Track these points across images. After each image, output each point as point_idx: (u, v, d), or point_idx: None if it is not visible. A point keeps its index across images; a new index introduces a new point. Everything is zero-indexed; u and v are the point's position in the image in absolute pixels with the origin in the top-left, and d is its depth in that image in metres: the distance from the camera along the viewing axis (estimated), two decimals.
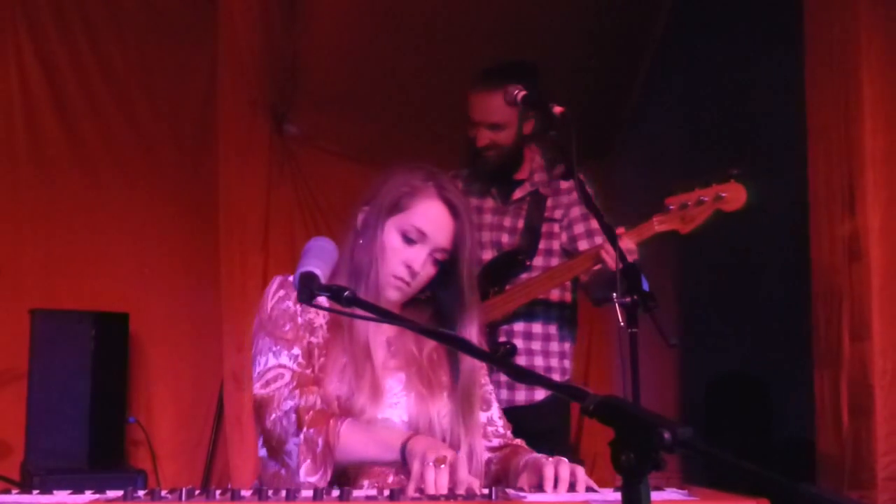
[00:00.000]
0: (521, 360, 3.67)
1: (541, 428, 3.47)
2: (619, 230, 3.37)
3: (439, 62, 4.76)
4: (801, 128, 3.85)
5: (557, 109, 3.15)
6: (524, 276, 3.65)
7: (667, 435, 1.33)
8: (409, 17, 4.67)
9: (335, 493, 1.71)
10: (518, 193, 3.74)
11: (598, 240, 3.47)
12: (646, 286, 2.93)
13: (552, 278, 3.56)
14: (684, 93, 5.64)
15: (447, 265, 2.28)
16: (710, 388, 5.74)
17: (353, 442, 2.03)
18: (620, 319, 2.95)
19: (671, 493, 1.87)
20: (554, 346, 3.74)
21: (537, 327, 3.72)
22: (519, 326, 3.70)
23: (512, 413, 3.61)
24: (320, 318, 2.24)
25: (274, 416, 2.12)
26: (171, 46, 5.09)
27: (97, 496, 1.68)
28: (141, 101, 5.07)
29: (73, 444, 4.38)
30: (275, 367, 2.18)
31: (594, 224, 3.65)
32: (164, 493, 1.67)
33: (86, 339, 4.47)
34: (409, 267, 2.23)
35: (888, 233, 3.55)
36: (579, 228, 3.68)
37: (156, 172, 5.05)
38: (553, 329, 3.74)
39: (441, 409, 2.21)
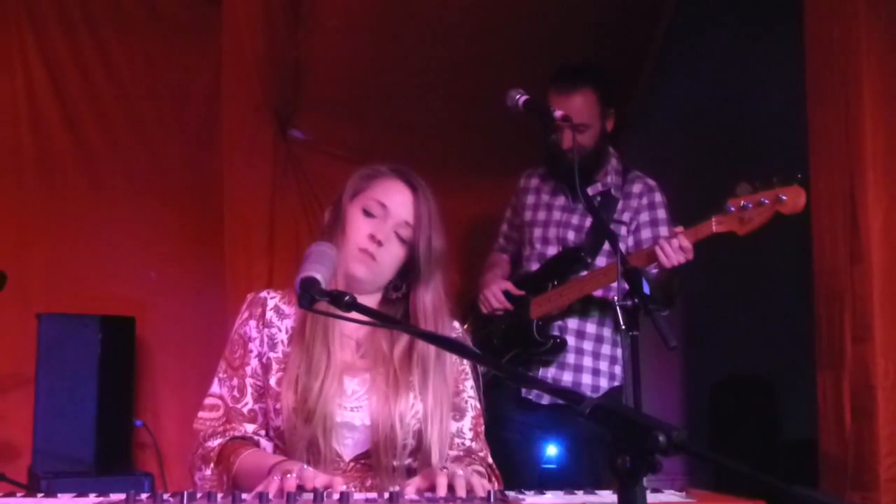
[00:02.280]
0: (570, 358, 3.72)
1: (587, 432, 3.47)
2: (678, 229, 3.39)
3: (443, 64, 4.77)
4: (805, 128, 3.85)
5: (558, 114, 3.17)
6: (584, 273, 3.67)
7: (661, 437, 1.34)
8: (413, 20, 4.68)
9: (336, 496, 1.73)
10: (589, 192, 3.75)
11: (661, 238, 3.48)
12: (647, 289, 2.95)
13: (607, 275, 3.55)
14: (687, 94, 5.64)
15: (412, 247, 2.29)
16: (715, 389, 5.74)
17: (244, 474, 2.09)
18: (621, 322, 2.97)
19: (670, 496, 1.89)
20: (606, 349, 3.75)
21: (591, 327, 3.75)
22: (573, 323, 3.73)
23: (559, 412, 3.64)
24: (282, 333, 2.28)
25: (199, 450, 2.21)
26: (176, 50, 5.10)
27: (100, 499, 1.69)
28: (146, 105, 5.08)
29: (81, 448, 4.40)
30: (216, 395, 2.29)
31: (662, 230, 3.67)
32: (166, 496, 1.68)
33: (93, 343, 4.50)
34: (372, 237, 2.25)
35: (889, 234, 3.54)
36: (646, 234, 3.72)
37: (161, 177, 5.07)
38: (607, 332, 3.76)
39: (407, 412, 2.19)
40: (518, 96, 3.29)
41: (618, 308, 2.96)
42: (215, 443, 2.20)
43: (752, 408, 5.64)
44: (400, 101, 4.87)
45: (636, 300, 2.93)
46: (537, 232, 3.85)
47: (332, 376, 2.18)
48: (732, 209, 3.30)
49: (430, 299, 2.29)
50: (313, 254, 2.05)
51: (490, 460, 2.33)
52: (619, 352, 3.77)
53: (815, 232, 3.74)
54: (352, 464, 2.18)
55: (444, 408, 2.24)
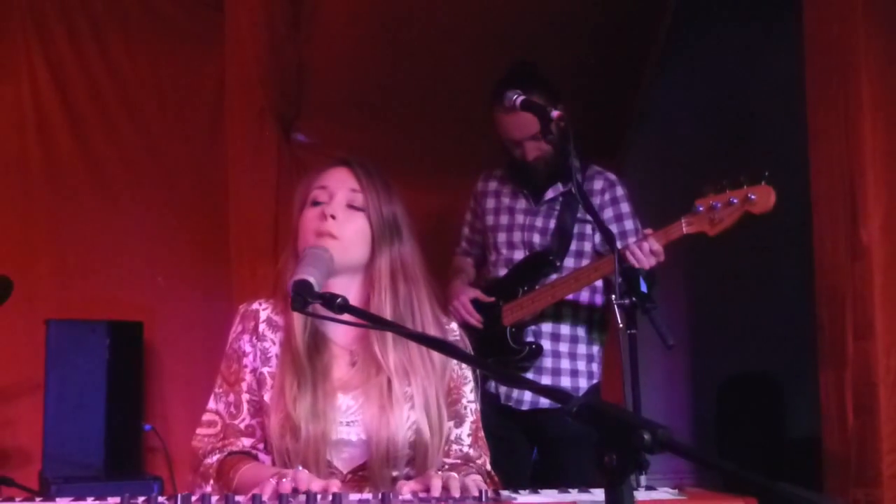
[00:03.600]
0: (547, 362, 3.69)
1: (569, 434, 3.44)
2: (647, 231, 3.38)
3: (445, 65, 4.79)
4: (806, 126, 3.85)
5: (555, 114, 3.18)
6: (554, 276, 3.66)
7: (646, 436, 1.36)
8: (413, 22, 4.70)
9: (329, 497, 1.74)
10: (550, 194, 3.75)
11: (630, 242, 3.49)
12: (644, 288, 2.95)
13: (578, 279, 3.55)
14: (690, 92, 5.65)
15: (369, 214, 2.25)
16: (721, 388, 5.75)
17: (243, 487, 2.05)
18: (619, 321, 2.96)
19: (662, 493, 1.90)
20: (581, 348, 3.74)
21: (565, 329, 3.72)
22: (547, 327, 3.71)
23: (538, 417, 3.65)
24: (276, 347, 2.24)
25: (199, 468, 2.19)
26: (180, 56, 5.12)
27: (97, 503, 1.71)
28: (151, 111, 5.10)
29: (90, 453, 4.43)
30: (212, 410, 2.26)
31: (627, 224, 3.67)
32: (161, 499, 1.70)
33: (101, 349, 4.52)
34: (322, 215, 2.21)
35: (890, 231, 3.54)
36: (612, 230, 3.68)
37: (167, 182, 5.09)
38: (581, 331, 3.74)
39: (403, 423, 2.14)
40: (515, 96, 3.31)
41: (615, 307, 2.96)
42: (213, 459, 2.18)
43: (757, 406, 5.65)
44: (402, 103, 4.89)
45: (633, 299, 2.93)
46: (501, 237, 3.82)
47: (325, 394, 2.14)
48: (701, 209, 3.28)
49: (385, 263, 2.24)
50: (307, 256, 2.07)
51: (489, 467, 2.29)
52: (595, 349, 3.77)
53: (815, 230, 3.75)
54: (349, 475, 2.15)
55: (438, 404, 2.20)
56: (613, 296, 2.99)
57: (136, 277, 5.01)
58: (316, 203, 2.25)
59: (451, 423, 2.27)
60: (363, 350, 2.24)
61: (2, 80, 4.96)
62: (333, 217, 2.21)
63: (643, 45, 5.18)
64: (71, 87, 5.02)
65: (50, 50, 4.99)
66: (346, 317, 1.91)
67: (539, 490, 1.91)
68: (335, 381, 2.19)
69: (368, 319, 1.93)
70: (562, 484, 1.99)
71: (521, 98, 3.29)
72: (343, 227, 2.21)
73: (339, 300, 1.86)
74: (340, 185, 2.26)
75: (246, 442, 2.21)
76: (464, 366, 2.32)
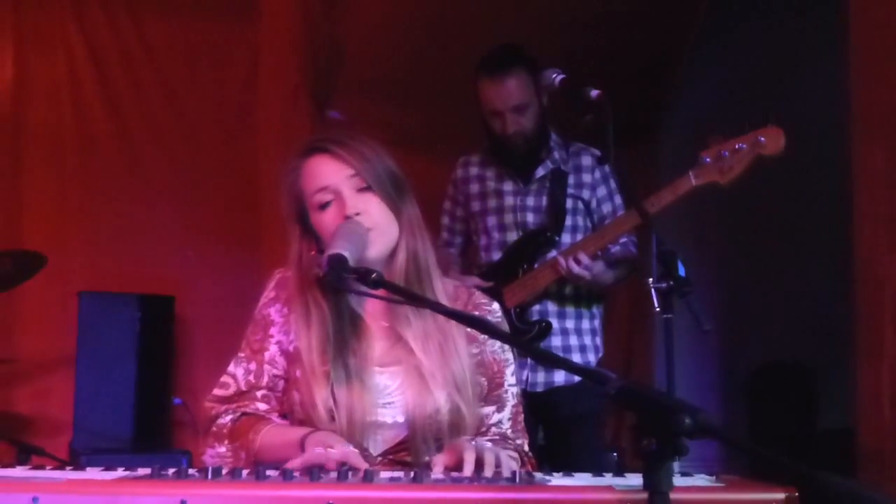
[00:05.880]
0: (556, 340, 3.66)
1: (579, 411, 3.49)
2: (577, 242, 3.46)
3: (478, 44, 4.74)
4: (845, 112, 3.77)
5: (594, 93, 3.11)
6: (553, 253, 3.63)
7: (687, 420, 1.32)
8: (449, 1, 4.67)
9: (361, 474, 1.72)
10: (540, 172, 3.71)
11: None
12: (682, 271, 2.90)
13: (585, 250, 3.50)
14: (725, 75, 5.58)
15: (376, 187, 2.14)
16: (752, 376, 5.70)
17: (269, 448, 2.02)
18: (656, 304, 2.92)
19: (699, 480, 1.86)
20: (585, 323, 3.72)
21: (569, 305, 3.70)
22: (551, 306, 3.68)
23: (550, 395, 3.63)
24: None
25: (211, 428, 2.14)
26: (214, 32, 5.14)
27: (127, 473, 1.70)
28: (185, 87, 5.14)
29: (120, 425, 4.47)
30: (231, 374, 2.19)
31: (617, 200, 3.67)
32: (191, 471, 1.69)
33: (132, 322, 4.56)
34: (349, 217, 2.10)
35: None
36: (607, 208, 3.68)
37: (199, 157, 5.12)
38: (584, 307, 3.73)
39: (444, 405, 2.07)
40: (554, 75, 3.26)
41: (652, 290, 2.91)
42: (227, 419, 2.13)
43: (789, 395, 5.59)
44: (436, 81, 4.84)
45: (671, 283, 2.88)
46: (491, 220, 3.76)
47: (363, 375, 2.09)
48: (708, 160, 3.21)
49: (405, 230, 2.16)
50: (341, 231, 2.03)
51: (527, 448, 2.25)
52: (596, 323, 3.75)
53: (856, 218, 3.66)
54: (379, 458, 2.09)
55: (464, 372, 2.13)
56: (650, 279, 2.93)
57: (168, 252, 5.05)
58: (323, 207, 2.15)
59: (493, 408, 2.23)
60: (396, 330, 2.17)
61: (39, 53, 5.00)
62: (358, 214, 2.10)
63: (680, 28, 5.12)
64: (106, 62, 5.07)
65: (87, 28, 5.04)
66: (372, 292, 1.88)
67: (573, 473, 1.88)
68: (373, 360, 2.14)
69: (403, 295, 1.90)
70: (571, 465, 1.96)
71: (561, 77, 3.23)
72: (371, 217, 2.11)
73: (374, 275, 1.83)
74: (339, 178, 2.13)
75: (261, 406, 2.16)
76: (506, 349, 2.26)
